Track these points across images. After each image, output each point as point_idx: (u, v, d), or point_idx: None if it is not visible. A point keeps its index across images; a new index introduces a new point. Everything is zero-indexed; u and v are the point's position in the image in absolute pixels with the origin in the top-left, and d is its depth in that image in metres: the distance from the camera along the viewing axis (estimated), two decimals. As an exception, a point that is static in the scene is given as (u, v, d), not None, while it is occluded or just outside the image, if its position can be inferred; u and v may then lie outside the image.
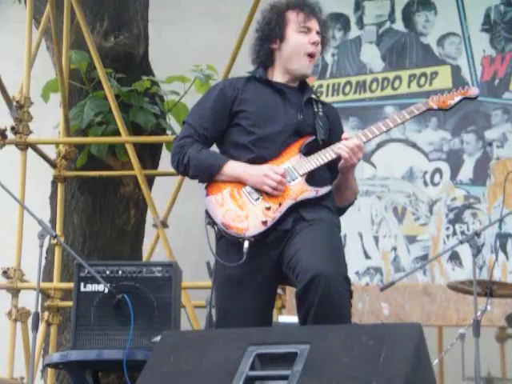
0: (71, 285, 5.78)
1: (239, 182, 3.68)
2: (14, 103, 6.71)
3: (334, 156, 3.71)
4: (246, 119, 3.76)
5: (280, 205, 3.63)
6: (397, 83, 6.70)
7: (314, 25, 3.86)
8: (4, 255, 6.93)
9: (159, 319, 4.79)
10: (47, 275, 7.04)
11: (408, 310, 6.19)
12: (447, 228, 6.49)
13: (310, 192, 3.67)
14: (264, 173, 3.63)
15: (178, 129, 7.64)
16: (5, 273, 6.50)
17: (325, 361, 2.78)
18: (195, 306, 5.57)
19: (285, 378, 2.77)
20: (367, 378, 2.68)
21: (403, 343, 2.77)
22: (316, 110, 3.85)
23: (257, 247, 3.58)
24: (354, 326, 3.44)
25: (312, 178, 3.70)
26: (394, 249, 6.50)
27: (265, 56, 3.87)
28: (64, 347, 6.61)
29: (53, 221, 7.20)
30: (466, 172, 6.56)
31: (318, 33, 3.87)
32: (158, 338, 4.76)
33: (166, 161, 7.56)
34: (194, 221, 7.60)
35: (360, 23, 6.85)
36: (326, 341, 2.86)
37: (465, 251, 6.31)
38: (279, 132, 3.74)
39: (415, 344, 2.78)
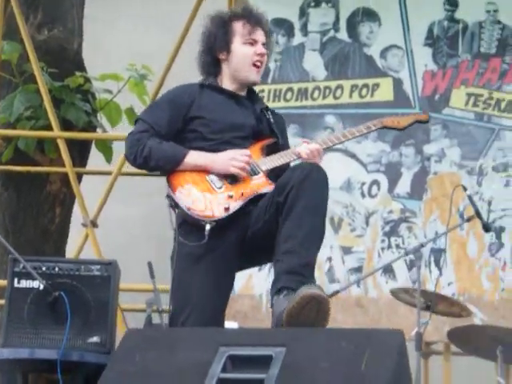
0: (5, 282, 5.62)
1: (202, 171, 3.76)
2: None
3: (294, 157, 3.84)
4: (204, 126, 3.85)
5: (242, 194, 3.73)
6: (338, 92, 6.68)
7: (259, 36, 3.95)
8: None
9: (96, 319, 4.64)
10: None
11: (340, 321, 6.13)
12: (382, 240, 6.49)
13: (272, 186, 3.74)
14: (230, 156, 3.75)
15: (109, 128, 7.52)
16: None
17: (303, 365, 2.72)
18: (125, 309, 5.39)
19: (260, 381, 2.68)
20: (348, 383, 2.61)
21: (386, 350, 2.73)
22: (268, 117, 3.98)
23: (218, 231, 3.66)
24: (333, 330, 3.36)
25: (273, 172, 3.82)
26: (329, 259, 6.47)
27: (212, 66, 3.98)
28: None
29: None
30: (404, 185, 6.58)
31: (263, 44, 3.95)
32: (94, 339, 4.66)
33: (93, 159, 7.42)
34: (121, 222, 7.52)
35: (304, 30, 6.81)
36: (303, 344, 2.80)
37: (399, 264, 6.34)
38: (239, 137, 3.85)
39: (398, 351, 2.74)
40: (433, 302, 5.19)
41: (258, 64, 3.91)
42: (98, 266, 4.73)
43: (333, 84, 6.70)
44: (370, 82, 6.71)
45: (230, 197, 3.71)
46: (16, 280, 4.65)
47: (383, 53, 6.74)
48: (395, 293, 5.57)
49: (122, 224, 7.25)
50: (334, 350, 2.74)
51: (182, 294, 3.73)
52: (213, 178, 3.75)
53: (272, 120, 3.97)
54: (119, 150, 7.20)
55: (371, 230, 6.46)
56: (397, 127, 4.04)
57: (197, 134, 3.85)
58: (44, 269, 4.66)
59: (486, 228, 5.20)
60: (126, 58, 7.45)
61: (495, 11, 6.75)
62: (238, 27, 3.93)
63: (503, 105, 6.62)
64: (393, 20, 6.75)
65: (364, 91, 6.68)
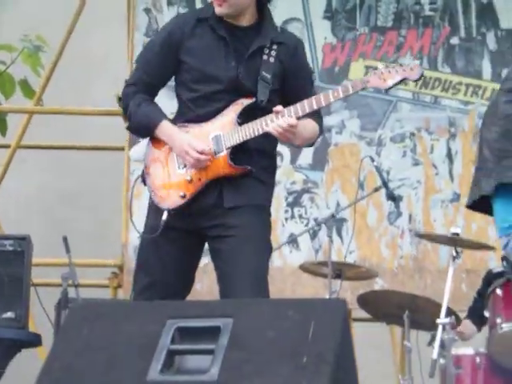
0: None
1: None
2: None
3: (261, 131, 3.60)
4: (187, 73, 3.68)
5: (200, 180, 3.62)
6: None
7: None
8: None
9: (10, 295, 4.64)
10: None
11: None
12: (286, 211, 6.58)
13: (230, 170, 3.62)
14: (184, 149, 3.59)
15: (2, 98, 7.38)
16: None
17: (250, 335, 2.74)
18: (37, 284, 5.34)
19: (209, 352, 2.71)
20: (296, 353, 2.66)
21: (331, 318, 2.75)
22: (266, 56, 3.65)
23: (182, 214, 3.62)
24: (279, 300, 3.42)
25: (241, 148, 3.63)
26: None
27: None
28: None
29: None
30: (306, 157, 6.66)
31: None
32: (8, 314, 4.63)
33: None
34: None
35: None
36: (249, 314, 2.82)
37: (302, 233, 6.44)
38: (218, 91, 3.64)
39: (342, 319, 2.78)
40: (343, 271, 5.31)
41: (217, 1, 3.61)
42: (12, 241, 4.72)
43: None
44: (272, 54, 6.77)
45: (189, 181, 3.62)
46: None
47: (283, 25, 6.75)
48: (304, 266, 5.66)
49: (16, 197, 7.14)
50: (281, 320, 2.75)
51: (146, 271, 3.70)
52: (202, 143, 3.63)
53: (272, 59, 3.65)
54: (15, 122, 7.13)
55: (275, 201, 6.48)
56: (380, 87, 3.75)
57: (183, 81, 3.71)
58: (-44, 243, 4.63)
59: (392, 197, 5.32)
60: (21, 28, 7.32)
61: (390, -15, 6.89)
62: None
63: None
64: (293, -7, 6.83)
65: (265, 63, 6.72)
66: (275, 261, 6.41)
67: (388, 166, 6.49)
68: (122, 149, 6.35)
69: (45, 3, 7.90)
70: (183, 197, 3.60)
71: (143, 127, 3.69)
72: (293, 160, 6.61)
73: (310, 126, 3.72)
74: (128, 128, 3.83)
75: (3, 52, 7.35)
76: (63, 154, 7.17)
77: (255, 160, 3.65)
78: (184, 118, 3.69)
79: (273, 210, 6.44)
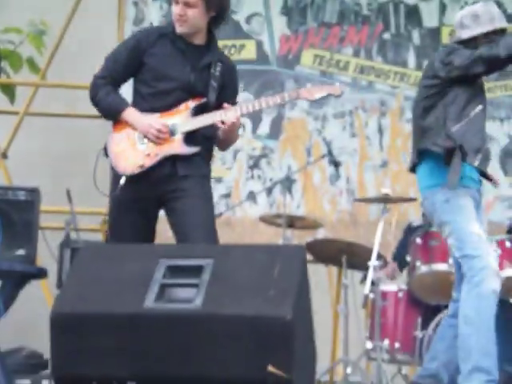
0: None
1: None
2: None
3: (212, 122, 3.65)
4: (148, 72, 3.71)
5: (157, 155, 3.64)
6: (211, 51, 6.68)
7: None
8: None
9: (21, 236, 4.62)
10: None
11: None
12: (247, 172, 6.61)
13: (182, 149, 3.66)
14: (149, 124, 3.63)
15: (12, 74, 7.31)
16: None
17: (228, 272, 2.79)
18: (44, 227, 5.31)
19: (194, 285, 2.76)
20: (265, 287, 2.71)
21: (292, 260, 2.81)
22: (213, 70, 3.72)
23: (142, 183, 3.62)
24: (250, 245, 3.46)
25: (192, 135, 3.67)
26: (204, 187, 6.53)
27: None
28: None
29: None
30: (264, 128, 6.68)
31: (186, 3, 3.63)
32: (20, 252, 4.63)
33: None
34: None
35: None
36: (226, 256, 2.86)
37: (260, 191, 6.49)
38: (172, 89, 3.68)
39: (302, 261, 2.83)
40: (294, 222, 5.37)
41: (177, 20, 3.65)
42: (24, 192, 4.69)
43: (207, 43, 6.71)
44: (237, 43, 6.73)
45: (148, 155, 3.63)
46: (-48, 203, 4.59)
47: (248, 19, 6.78)
48: (263, 218, 5.70)
49: (24, 157, 7.08)
50: (252, 261, 2.81)
51: (113, 234, 3.72)
52: (140, 135, 3.67)
53: (217, 73, 3.72)
54: (21, 93, 7.06)
55: (238, 164, 6.56)
56: (309, 99, 3.83)
57: (143, 79, 3.73)
58: (-23, 193, 4.61)
59: (334, 163, 5.36)
60: (29, 12, 7.23)
61: (337, -11, 6.91)
62: None
63: (341, 64, 6.80)
64: (256, -8, 6.82)
65: (232, 50, 6.69)
66: (237, 213, 6.47)
67: (330, 137, 6.53)
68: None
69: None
70: (141, 166, 3.62)
71: (112, 111, 3.72)
72: (253, 130, 6.63)
73: (234, 137, 3.85)
74: (99, 112, 3.81)
75: (12, 34, 7.27)
76: (63, 120, 7.11)
77: (202, 143, 3.71)
78: (139, 108, 3.71)
79: (236, 171, 6.62)
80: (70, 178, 5.27)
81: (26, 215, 4.63)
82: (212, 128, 3.71)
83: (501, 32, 3.83)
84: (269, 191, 6.45)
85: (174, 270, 2.81)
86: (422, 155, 3.83)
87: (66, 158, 7.35)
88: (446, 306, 5.10)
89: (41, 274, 4.77)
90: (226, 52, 6.55)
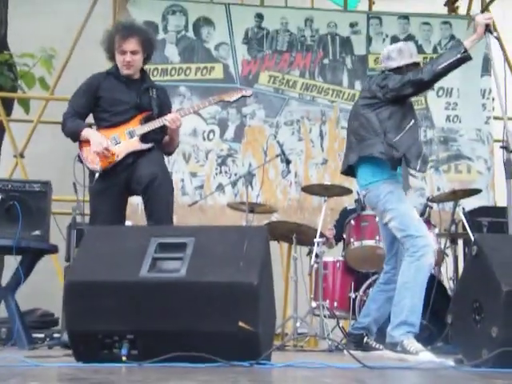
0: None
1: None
2: None
3: (161, 124, 3.83)
4: (105, 102, 3.83)
5: (121, 153, 3.77)
6: (188, 71, 6.63)
7: (128, 45, 3.79)
8: None
9: (37, 220, 4.51)
10: None
11: (189, 221, 6.19)
12: (216, 168, 6.57)
13: (140, 146, 3.80)
14: (97, 142, 3.74)
15: (26, 90, 7.18)
16: None
17: (206, 248, 2.73)
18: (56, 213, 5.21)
19: (179, 259, 2.72)
20: (236, 260, 2.68)
21: (258, 238, 2.77)
22: (151, 94, 3.87)
23: (111, 173, 3.75)
24: (224, 226, 3.41)
25: (146, 135, 3.82)
26: (182, 180, 6.49)
27: (112, 59, 3.89)
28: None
29: None
30: (230, 133, 6.65)
31: (133, 51, 3.79)
32: (36, 232, 4.53)
33: (16, 111, 7.08)
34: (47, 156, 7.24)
35: (165, 29, 6.70)
36: (205, 235, 2.81)
37: (226, 183, 6.45)
38: (126, 109, 3.82)
39: (265, 239, 2.80)
40: (254, 208, 5.34)
41: (125, 66, 3.81)
42: (38, 184, 4.58)
43: (184, 66, 6.65)
44: (209, 66, 6.68)
45: (113, 154, 3.75)
46: (-20, 193, 4.47)
47: (216, 47, 6.74)
48: (230, 204, 5.68)
49: (37, 156, 6.96)
50: (225, 239, 2.76)
51: (94, 220, 3.80)
52: (107, 140, 3.75)
53: (154, 95, 3.87)
54: (34, 105, 6.94)
55: (209, 162, 6.52)
56: (229, 100, 3.95)
57: (102, 107, 3.82)
58: (1, 186, 4.46)
59: (287, 161, 5.32)
60: (40, 41, 7.10)
61: (286, 23, 6.88)
62: (116, 40, 3.81)
63: (291, 83, 6.79)
64: (223, 26, 6.75)
65: (204, 71, 6.65)
66: (209, 201, 6.42)
67: (282, 140, 6.51)
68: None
69: (55, 23, 7.67)
70: (110, 162, 3.75)
71: (74, 132, 3.81)
72: (221, 135, 6.60)
73: (177, 139, 3.98)
74: (67, 136, 3.89)
75: (27, 58, 7.15)
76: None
77: (153, 141, 3.83)
78: (101, 126, 3.82)
79: (207, 167, 6.58)
80: (74, 173, 5.15)
81: (40, 203, 4.53)
82: (159, 134, 3.86)
83: (416, 64, 3.87)
84: (234, 184, 6.42)
85: (163, 246, 2.76)
86: (362, 160, 3.81)
87: (70, 158, 7.22)
88: (374, 273, 5.17)
89: (53, 250, 4.68)
90: (199, 73, 6.55)
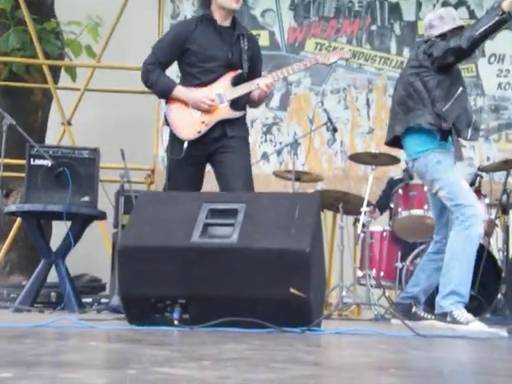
0: (16, 161, 5.42)
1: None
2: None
3: (253, 88, 3.59)
4: (194, 56, 3.58)
5: (210, 121, 3.56)
6: (234, 39, 6.57)
7: None
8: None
9: (86, 186, 4.57)
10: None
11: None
12: (261, 137, 6.54)
13: (230, 114, 3.59)
14: (200, 99, 3.53)
15: (73, 58, 7.23)
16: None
17: (258, 214, 2.74)
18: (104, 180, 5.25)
19: (231, 225, 2.73)
20: (288, 226, 2.68)
21: (310, 205, 2.77)
22: (242, 45, 3.60)
23: (196, 144, 3.54)
24: (275, 193, 3.42)
25: (237, 101, 3.59)
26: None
27: (205, 1, 3.63)
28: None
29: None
30: (275, 101, 6.59)
31: None
32: (85, 198, 4.60)
33: (63, 79, 7.15)
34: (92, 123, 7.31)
35: None
36: (256, 201, 2.82)
37: (271, 152, 6.43)
38: (216, 66, 3.57)
39: (317, 206, 2.79)
40: (300, 176, 5.32)
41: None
42: (87, 151, 4.64)
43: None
44: (255, 33, 6.58)
45: (203, 122, 3.54)
46: (32, 159, 4.53)
47: (262, 13, 6.66)
48: (276, 173, 5.66)
49: (85, 124, 7.03)
50: (277, 205, 2.76)
51: (173, 184, 3.59)
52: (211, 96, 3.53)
53: (246, 46, 3.58)
54: (81, 73, 6.99)
55: (254, 131, 6.48)
56: (325, 63, 3.67)
57: (190, 61, 3.58)
58: (51, 152, 4.54)
59: (334, 129, 5.29)
60: (87, 9, 7.12)
61: (334, -12, 6.78)
62: None
63: (337, 50, 6.69)
64: (269, -8, 6.68)
65: (251, 39, 6.60)
66: (254, 170, 6.35)
67: (329, 108, 6.41)
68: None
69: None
70: (199, 132, 3.55)
71: (165, 91, 3.60)
72: (266, 104, 6.53)
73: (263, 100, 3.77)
74: (153, 92, 3.73)
75: (74, 26, 7.19)
76: (114, 94, 7.05)
77: (243, 108, 3.64)
78: (191, 84, 3.59)
79: (253, 136, 6.50)
80: (121, 140, 5.18)
81: (89, 170, 4.58)
82: (247, 95, 3.62)
83: (461, 28, 3.80)
84: (279, 152, 6.40)
85: (214, 213, 2.78)
86: (409, 130, 3.77)
87: (117, 125, 7.31)
88: (421, 243, 5.12)
89: (102, 216, 4.75)
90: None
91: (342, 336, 2.58)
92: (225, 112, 3.57)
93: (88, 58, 7.07)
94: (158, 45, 3.71)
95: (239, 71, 3.59)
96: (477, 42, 3.58)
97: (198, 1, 3.77)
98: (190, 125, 3.55)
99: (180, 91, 3.57)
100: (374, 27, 6.76)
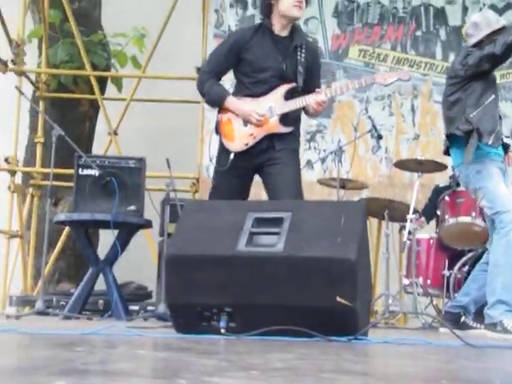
0: (64, 170, 5.52)
1: None
2: (14, 43, 6.23)
3: (304, 104, 3.52)
4: (248, 66, 3.54)
5: (258, 134, 3.52)
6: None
7: None
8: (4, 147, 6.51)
9: (132, 195, 4.63)
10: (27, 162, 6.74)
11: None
12: (305, 144, 6.52)
13: (280, 129, 3.54)
14: (249, 113, 3.49)
15: (119, 68, 7.35)
16: (6, 160, 6.16)
17: (303, 223, 2.73)
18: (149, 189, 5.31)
19: (276, 233, 2.72)
20: (333, 235, 2.67)
21: (355, 213, 2.75)
22: (299, 57, 3.52)
23: (243, 155, 3.52)
24: (320, 201, 3.41)
25: (287, 115, 3.53)
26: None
27: (266, 8, 3.56)
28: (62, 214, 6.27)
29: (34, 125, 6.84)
30: (319, 109, 6.57)
31: None
32: (131, 207, 4.65)
33: (109, 89, 7.26)
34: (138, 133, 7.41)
35: (254, 5, 6.66)
36: (301, 210, 2.81)
37: (316, 159, 6.42)
38: (269, 77, 3.51)
39: (363, 214, 2.77)
40: (345, 184, 5.29)
41: (299, 6, 3.51)
42: (133, 161, 4.69)
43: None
44: (298, 41, 6.65)
45: (251, 135, 3.51)
46: (80, 169, 4.61)
47: (306, 21, 6.65)
48: (320, 181, 5.64)
49: (130, 133, 7.12)
50: (322, 214, 2.75)
51: (216, 194, 3.57)
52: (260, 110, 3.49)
53: (303, 58, 3.50)
54: (127, 84, 7.09)
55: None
56: (382, 83, 3.56)
57: (244, 71, 3.54)
58: (98, 162, 4.62)
59: (379, 136, 5.26)
60: (133, 21, 7.24)
61: (377, -6, 6.74)
62: None
63: (381, 56, 6.66)
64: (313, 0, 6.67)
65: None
66: (298, 176, 6.39)
67: (373, 115, 6.41)
68: (198, 102, 6.29)
69: (147, 2, 7.78)
70: (246, 144, 3.52)
71: (216, 101, 3.58)
72: (311, 111, 6.54)
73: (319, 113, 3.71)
74: (205, 102, 3.70)
75: (120, 38, 7.32)
76: (159, 104, 7.14)
77: (293, 123, 3.59)
78: (242, 94, 3.56)
79: (298, 144, 6.53)
80: (166, 149, 5.23)
81: (135, 179, 4.63)
82: (300, 109, 3.58)
83: (500, 30, 3.75)
84: (323, 160, 6.38)
85: (260, 221, 2.78)
86: (451, 140, 3.82)
87: (162, 135, 7.39)
88: (469, 251, 5.05)
89: (148, 224, 4.79)
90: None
91: (389, 345, 2.55)
92: (274, 126, 3.52)
93: (134, 68, 7.19)
94: (214, 53, 3.69)
95: (293, 84, 3.52)
96: (510, 47, 3.54)
97: (259, 8, 3.66)
98: (239, 136, 3.53)
99: (231, 102, 3.54)
100: (418, 33, 6.70)
